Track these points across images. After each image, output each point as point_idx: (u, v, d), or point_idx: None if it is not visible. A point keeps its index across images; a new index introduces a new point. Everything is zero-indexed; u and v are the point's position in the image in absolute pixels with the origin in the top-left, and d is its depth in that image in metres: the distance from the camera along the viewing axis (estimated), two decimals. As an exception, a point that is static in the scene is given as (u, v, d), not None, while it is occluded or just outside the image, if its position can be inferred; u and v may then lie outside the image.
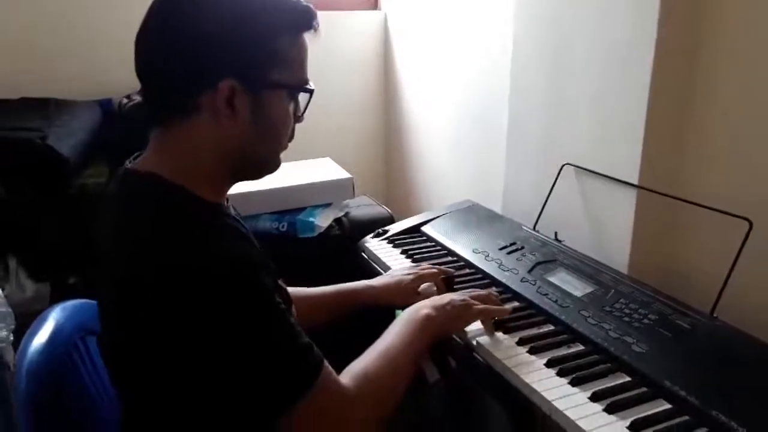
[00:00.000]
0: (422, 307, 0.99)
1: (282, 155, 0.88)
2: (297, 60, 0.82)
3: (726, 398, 0.81)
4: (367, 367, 0.85)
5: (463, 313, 1.02)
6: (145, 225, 0.75)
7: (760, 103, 1.10)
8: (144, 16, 0.79)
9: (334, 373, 0.79)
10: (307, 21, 0.81)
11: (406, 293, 1.16)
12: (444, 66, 2.18)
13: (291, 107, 0.84)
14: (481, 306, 1.04)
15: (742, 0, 1.10)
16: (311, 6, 0.82)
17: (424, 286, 1.19)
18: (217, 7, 0.76)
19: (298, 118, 0.87)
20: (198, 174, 0.80)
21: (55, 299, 1.60)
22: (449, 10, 2.11)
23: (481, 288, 1.20)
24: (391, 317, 1.30)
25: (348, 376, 0.82)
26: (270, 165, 0.87)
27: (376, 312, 1.18)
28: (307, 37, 0.83)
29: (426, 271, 1.21)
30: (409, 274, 1.20)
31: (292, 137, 0.87)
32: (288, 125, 0.85)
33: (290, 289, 0.97)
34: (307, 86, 0.84)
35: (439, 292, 1.19)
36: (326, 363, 0.78)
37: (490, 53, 1.87)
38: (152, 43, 0.78)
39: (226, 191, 0.88)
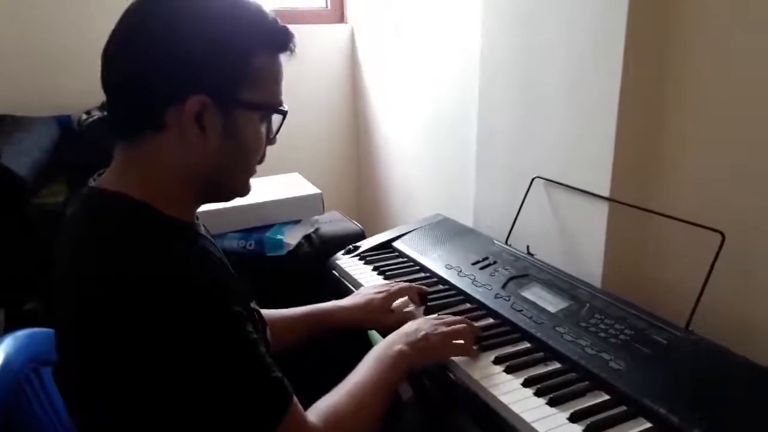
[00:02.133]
0: (396, 342, 0.96)
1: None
2: (271, 80, 0.80)
3: (706, 415, 0.80)
4: (335, 406, 0.82)
5: (437, 349, 0.98)
6: (108, 246, 0.71)
7: (732, 115, 1.10)
8: (113, 27, 0.75)
9: (302, 410, 0.76)
10: (283, 41, 0.79)
11: (377, 313, 1.14)
12: (413, 79, 2.17)
13: (263, 128, 0.82)
14: (457, 344, 1.00)
15: (712, 8, 1.11)
16: (288, 27, 0.80)
17: (398, 302, 1.16)
18: (190, 22, 0.73)
19: (271, 140, 0.85)
20: (166, 193, 0.77)
21: (10, 326, 1.54)
22: (416, 23, 2.10)
23: (455, 304, 1.19)
24: (364, 337, 1.29)
25: (315, 413, 0.79)
26: (239, 188, 0.85)
27: (348, 331, 1.15)
28: (283, 58, 0.81)
29: (396, 290, 1.18)
30: (380, 292, 1.17)
31: (262, 160, 0.85)
32: (260, 147, 0.82)
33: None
34: (281, 107, 0.81)
35: (413, 305, 1.17)
36: (295, 400, 0.75)
37: (458, 66, 1.87)
38: (120, 54, 0.75)
39: (196, 210, 0.85)
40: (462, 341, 1.01)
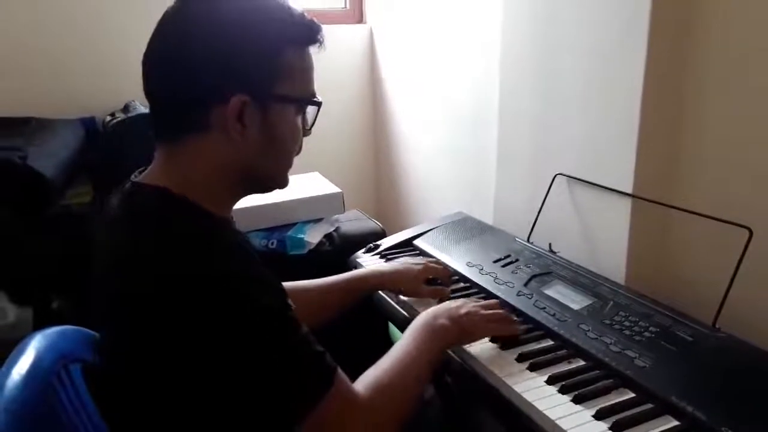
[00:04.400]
0: (438, 316, 0.99)
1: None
2: (304, 73, 0.82)
3: (734, 413, 0.79)
4: (381, 376, 0.85)
5: (477, 328, 1.02)
6: (154, 240, 0.73)
7: (756, 107, 1.08)
8: (151, 35, 0.78)
9: (347, 380, 0.79)
10: (312, 35, 0.82)
11: (412, 281, 1.21)
12: (432, 78, 2.17)
13: (299, 120, 0.85)
14: (496, 325, 1.04)
15: (735, 3, 1.09)
16: (315, 20, 0.83)
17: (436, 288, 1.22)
18: (225, 24, 0.76)
19: (307, 132, 0.88)
20: (207, 189, 0.79)
21: (38, 325, 1.56)
22: (435, 23, 2.10)
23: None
24: (384, 326, 1.32)
25: (362, 384, 0.82)
26: (279, 179, 0.88)
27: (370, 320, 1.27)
28: (312, 51, 0.83)
29: (433, 265, 1.26)
30: (418, 264, 1.25)
31: (300, 150, 0.88)
32: (297, 138, 0.85)
33: (300, 283, 1.08)
34: (315, 99, 0.84)
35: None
36: (339, 370, 0.77)
37: (478, 64, 1.86)
38: (161, 63, 0.78)
39: (233, 206, 0.87)
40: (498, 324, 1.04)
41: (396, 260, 1.33)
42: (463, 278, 1.29)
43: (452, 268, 1.33)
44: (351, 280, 1.22)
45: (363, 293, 1.22)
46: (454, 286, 1.26)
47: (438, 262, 1.35)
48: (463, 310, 1.01)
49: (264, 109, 0.78)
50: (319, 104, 0.85)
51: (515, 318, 1.09)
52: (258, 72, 0.77)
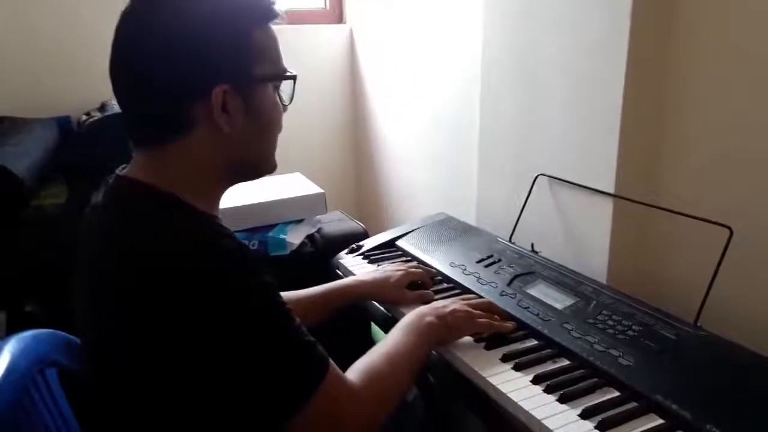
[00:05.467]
0: (425, 315, 1.00)
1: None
2: (273, 50, 0.83)
3: (718, 410, 0.80)
4: (372, 367, 0.86)
5: (464, 325, 1.03)
6: (141, 241, 0.72)
7: (736, 107, 1.10)
8: (114, 43, 0.76)
9: (339, 370, 0.79)
10: (272, 10, 0.82)
11: (394, 288, 1.21)
12: (413, 78, 2.17)
13: (277, 98, 0.85)
14: (484, 320, 1.05)
15: (713, 2, 1.11)
16: None
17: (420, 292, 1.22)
18: (190, 18, 0.75)
19: (285, 107, 0.88)
20: (195, 185, 0.79)
21: (11, 329, 1.53)
22: (416, 22, 2.09)
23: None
24: (367, 326, 1.31)
25: (354, 373, 0.83)
26: (268, 163, 0.88)
27: (351, 321, 1.24)
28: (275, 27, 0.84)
29: (413, 270, 1.26)
30: (398, 270, 1.24)
31: (280, 129, 0.88)
32: (279, 116, 0.86)
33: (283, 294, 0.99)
34: (289, 73, 0.85)
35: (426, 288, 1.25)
36: (331, 361, 0.78)
37: (459, 64, 1.86)
38: (133, 69, 0.76)
39: (220, 199, 0.86)
40: (488, 320, 1.05)
41: (377, 268, 1.32)
42: (447, 279, 1.29)
43: (435, 269, 1.33)
44: (334, 291, 1.21)
45: (345, 304, 1.21)
46: (437, 287, 1.26)
47: (419, 263, 1.35)
48: (449, 309, 1.03)
49: (245, 94, 0.78)
50: (294, 78, 0.85)
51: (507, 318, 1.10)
52: (233, 58, 0.77)
